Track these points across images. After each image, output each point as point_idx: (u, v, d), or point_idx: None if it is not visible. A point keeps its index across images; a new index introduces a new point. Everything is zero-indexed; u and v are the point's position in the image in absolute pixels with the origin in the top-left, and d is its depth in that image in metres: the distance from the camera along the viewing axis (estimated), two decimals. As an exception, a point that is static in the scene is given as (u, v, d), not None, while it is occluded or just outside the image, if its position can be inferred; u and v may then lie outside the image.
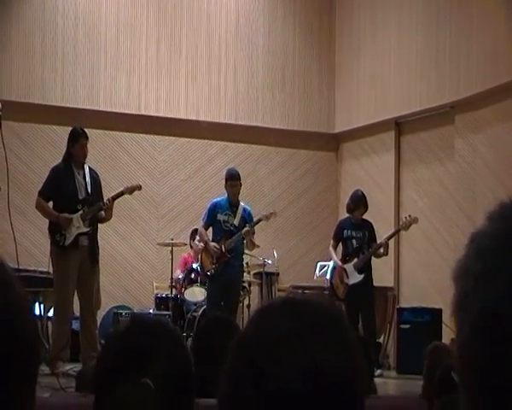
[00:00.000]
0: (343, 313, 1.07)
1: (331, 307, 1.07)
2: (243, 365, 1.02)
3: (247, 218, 9.13)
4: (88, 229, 8.05)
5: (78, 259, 7.94)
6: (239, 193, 9.16)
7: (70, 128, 8.51)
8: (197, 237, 10.55)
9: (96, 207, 8.10)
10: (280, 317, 1.03)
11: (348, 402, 1.00)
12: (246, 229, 8.94)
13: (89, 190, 8.12)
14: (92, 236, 8.11)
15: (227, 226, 9.05)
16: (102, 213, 8.18)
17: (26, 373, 0.92)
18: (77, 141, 8.12)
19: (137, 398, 1.58)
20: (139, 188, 8.64)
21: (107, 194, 8.39)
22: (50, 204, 8.15)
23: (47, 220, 8.37)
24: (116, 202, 8.68)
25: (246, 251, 9.56)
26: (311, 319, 1.02)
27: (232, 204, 9.11)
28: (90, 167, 8.29)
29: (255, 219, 9.17)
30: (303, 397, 0.96)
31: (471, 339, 0.77)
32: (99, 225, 8.35)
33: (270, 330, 1.02)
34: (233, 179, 9.12)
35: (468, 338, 0.78)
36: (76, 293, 8.04)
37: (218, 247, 8.99)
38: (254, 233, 9.22)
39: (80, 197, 8.08)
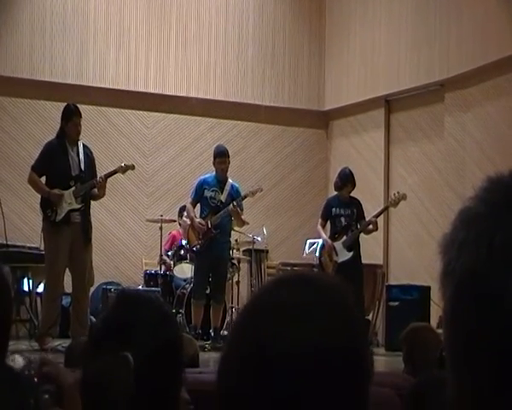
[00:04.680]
0: (349, 292, 1.08)
1: (340, 285, 1.08)
2: (245, 334, 1.02)
3: (234, 194, 9.16)
4: (80, 205, 8.05)
5: (69, 235, 7.94)
6: (227, 170, 9.19)
7: (59, 103, 8.48)
8: (185, 214, 10.59)
9: (89, 184, 8.11)
10: (288, 288, 1.04)
11: (352, 381, 1.00)
12: (231, 206, 8.97)
13: (82, 167, 8.12)
14: (84, 212, 8.11)
15: (214, 202, 9.09)
16: (95, 190, 8.19)
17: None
18: (70, 119, 8.11)
19: (112, 371, 1.58)
20: (132, 168, 8.68)
21: (97, 169, 8.38)
22: (43, 179, 8.15)
23: (35, 196, 8.35)
24: (105, 178, 8.65)
25: (235, 228, 9.58)
26: (318, 293, 1.03)
27: (220, 181, 9.15)
28: (84, 145, 8.28)
29: (241, 195, 9.22)
30: (304, 372, 0.97)
31: (453, 303, 0.78)
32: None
33: (276, 300, 1.02)
34: (221, 156, 9.14)
35: (451, 302, 0.79)
36: (68, 270, 8.05)
37: (203, 223, 9.03)
38: (243, 209, 9.25)
39: (73, 174, 8.08)
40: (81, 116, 8.20)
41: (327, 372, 0.98)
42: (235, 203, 9.00)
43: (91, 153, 8.36)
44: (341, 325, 1.01)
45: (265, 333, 0.99)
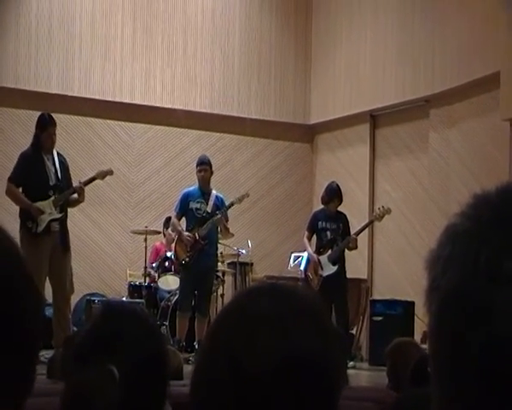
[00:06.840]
0: (322, 303, 1.09)
1: (312, 296, 1.09)
2: (219, 345, 1.03)
3: (219, 205, 9.14)
4: (60, 215, 8.02)
5: (49, 245, 7.90)
6: (209, 179, 9.15)
7: (44, 113, 8.42)
8: (170, 227, 10.55)
9: (68, 192, 8.08)
10: (261, 299, 1.05)
11: (323, 391, 1.01)
12: (218, 216, 8.95)
13: (59, 176, 8.08)
14: (63, 221, 8.08)
15: (199, 214, 9.06)
16: (75, 195, 8.15)
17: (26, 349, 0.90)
18: (45, 129, 8.05)
19: (97, 384, 1.57)
20: (111, 173, 8.63)
21: (80, 179, 8.35)
22: (20, 190, 8.09)
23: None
24: (91, 188, 8.62)
25: (220, 240, 9.56)
26: (291, 305, 1.04)
27: (204, 192, 9.11)
28: (58, 153, 8.24)
29: (228, 203, 9.19)
30: (277, 384, 0.98)
31: (438, 319, 0.79)
32: (70, 212, 8.33)
33: (250, 312, 1.03)
34: (202, 164, 9.12)
35: (436, 318, 0.79)
36: (48, 279, 7.99)
37: (191, 236, 8.99)
38: (228, 220, 9.23)
39: (51, 183, 8.04)
40: (55, 126, 8.15)
41: (297, 383, 0.99)
42: (219, 214, 8.96)
43: (65, 160, 8.32)
44: (313, 336, 1.02)
45: (238, 344, 1.01)
